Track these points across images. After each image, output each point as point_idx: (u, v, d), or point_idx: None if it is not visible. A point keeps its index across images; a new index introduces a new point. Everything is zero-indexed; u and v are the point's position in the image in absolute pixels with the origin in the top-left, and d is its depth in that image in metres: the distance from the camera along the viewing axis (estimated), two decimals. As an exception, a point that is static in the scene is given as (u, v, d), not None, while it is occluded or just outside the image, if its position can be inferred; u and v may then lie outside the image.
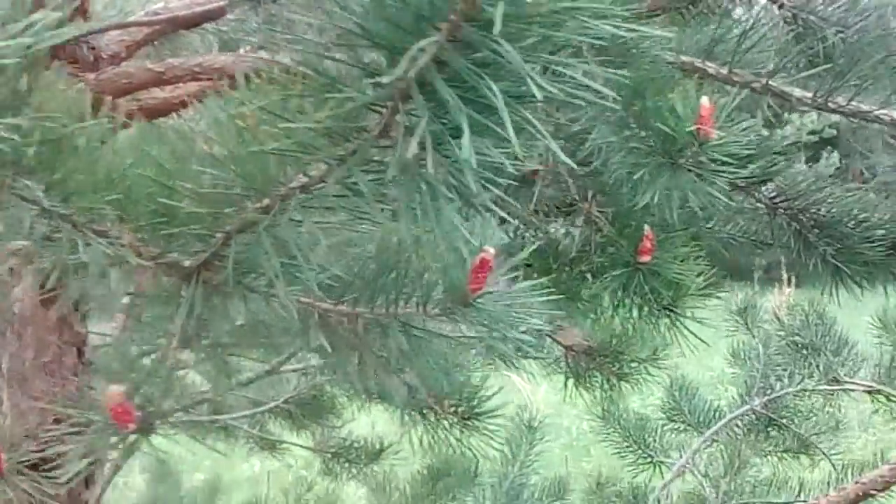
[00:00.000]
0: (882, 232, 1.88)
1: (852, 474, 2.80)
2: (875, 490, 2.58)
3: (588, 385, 2.48)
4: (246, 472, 6.44)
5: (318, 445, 3.20)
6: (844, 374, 2.79)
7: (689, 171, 1.34)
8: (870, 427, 6.94)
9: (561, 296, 1.59)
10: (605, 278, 1.43)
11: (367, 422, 3.69)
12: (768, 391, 2.82)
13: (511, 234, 1.67)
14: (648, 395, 3.92)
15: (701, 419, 3.26)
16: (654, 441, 3.20)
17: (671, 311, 1.50)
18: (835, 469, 2.76)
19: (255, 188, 0.85)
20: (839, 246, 1.86)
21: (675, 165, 1.33)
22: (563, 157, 0.67)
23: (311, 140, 0.75)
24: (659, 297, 1.46)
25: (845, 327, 3.20)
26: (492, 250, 0.97)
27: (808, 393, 2.84)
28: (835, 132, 11.18)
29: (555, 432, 6.75)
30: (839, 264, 1.86)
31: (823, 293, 1.93)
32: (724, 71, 1.68)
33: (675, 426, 3.32)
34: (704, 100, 1.30)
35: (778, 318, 3.03)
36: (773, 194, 1.94)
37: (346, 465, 3.19)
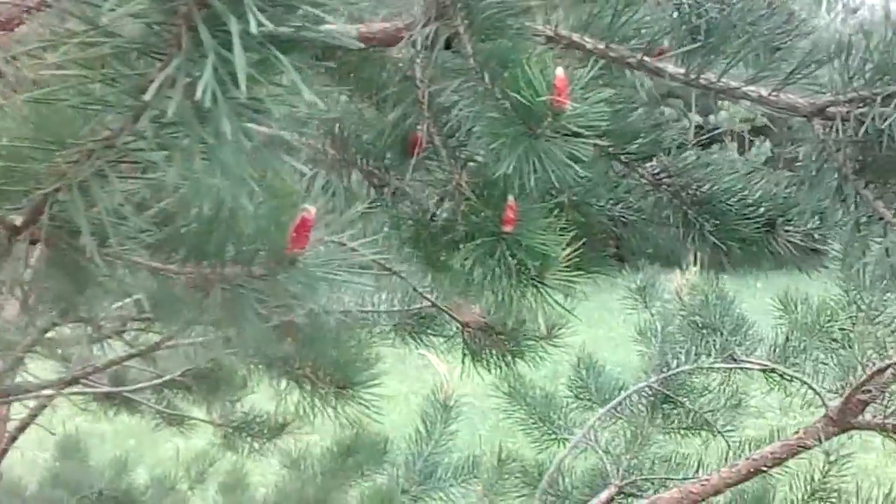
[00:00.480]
0: (762, 210, 1.91)
1: (750, 451, 2.85)
2: (766, 466, 2.63)
3: (485, 362, 2.50)
4: (169, 451, 6.39)
5: (221, 420, 3.19)
6: (742, 354, 2.83)
7: (547, 141, 1.35)
8: (790, 411, 7.06)
9: (430, 267, 1.60)
10: (469, 247, 1.43)
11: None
12: (665, 369, 2.86)
13: (386, 204, 1.67)
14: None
15: (608, 397, 3.30)
16: (559, 418, 3.23)
17: (538, 282, 1.51)
18: (729, 446, 2.80)
19: (58, 142, 0.84)
20: (717, 222, 1.89)
21: (532, 136, 1.34)
22: (315, 101, 0.67)
23: (98, 90, 0.75)
24: (524, 267, 1.47)
25: (750, 309, 3.25)
26: (313, 209, 0.97)
27: (705, 371, 2.88)
28: (766, 121, 11.32)
29: (481, 413, 6.78)
30: (717, 241, 1.88)
31: (688, 268, 1.95)
32: (602, 46, 1.69)
33: (583, 403, 3.36)
34: (559, 70, 1.31)
35: (679, 298, 3.07)
36: (656, 170, 1.96)
37: (249, 439, 3.18)
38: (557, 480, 3.13)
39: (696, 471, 2.92)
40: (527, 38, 1.48)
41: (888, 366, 2.51)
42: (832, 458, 2.37)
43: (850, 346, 2.84)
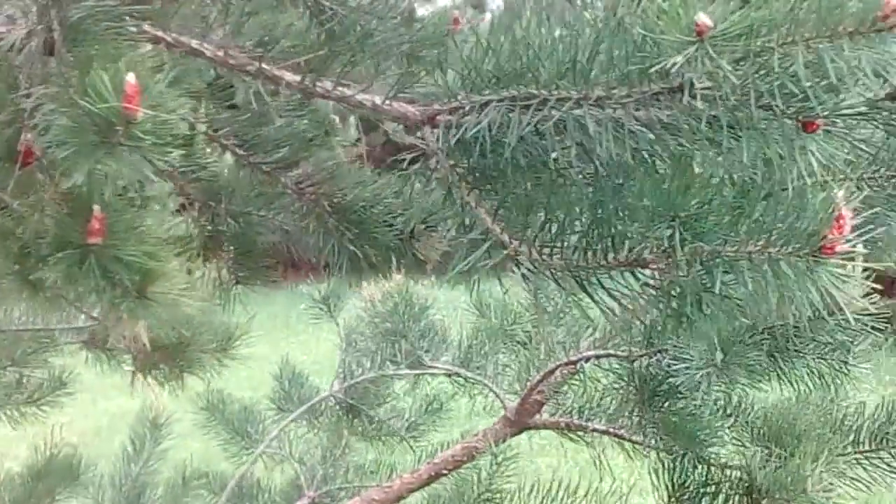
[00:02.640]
0: (402, 218, 1.93)
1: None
2: (447, 469, 2.67)
3: (155, 377, 2.42)
4: None
5: None
6: (429, 359, 2.86)
7: (128, 151, 1.29)
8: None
9: (23, 284, 1.52)
10: (52, 262, 1.36)
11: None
12: (350, 377, 2.86)
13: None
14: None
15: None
16: (256, 432, 3.18)
17: (139, 296, 1.45)
18: (414, 451, 2.83)
19: None
20: (357, 231, 1.89)
21: (108, 144, 1.29)
22: None
23: None
24: (119, 280, 1.41)
25: (452, 314, 3.30)
26: None
27: (391, 377, 2.90)
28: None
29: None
30: (356, 249, 1.88)
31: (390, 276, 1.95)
32: (221, 54, 1.66)
33: (285, 415, 3.31)
34: (130, 77, 1.26)
35: (372, 305, 3.07)
36: (299, 179, 1.95)
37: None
38: (255, 494, 3.08)
39: (389, 477, 2.93)
40: (121, 44, 1.42)
41: (556, 367, 2.60)
42: (499, 458, 2.42)
43: (533, 348, 2.92)
